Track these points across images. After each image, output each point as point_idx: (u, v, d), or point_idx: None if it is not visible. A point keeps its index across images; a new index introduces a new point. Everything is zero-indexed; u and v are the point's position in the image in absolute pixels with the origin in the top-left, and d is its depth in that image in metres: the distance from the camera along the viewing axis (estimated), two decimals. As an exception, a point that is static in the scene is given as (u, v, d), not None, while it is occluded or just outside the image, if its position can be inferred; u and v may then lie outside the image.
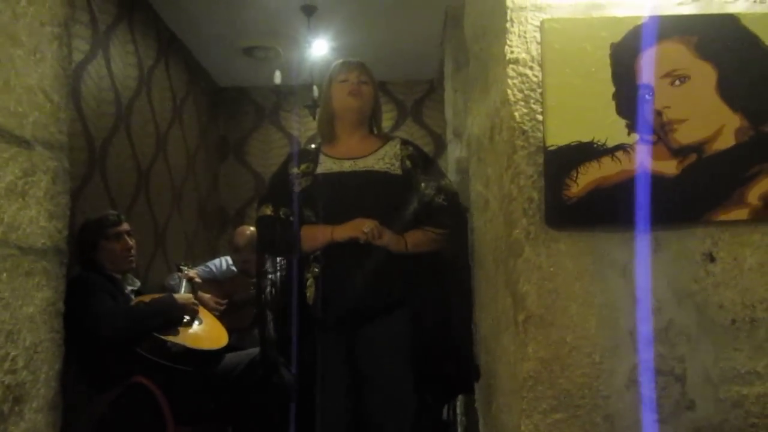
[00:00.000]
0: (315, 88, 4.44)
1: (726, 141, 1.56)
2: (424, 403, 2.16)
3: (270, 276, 2.32)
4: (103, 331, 2.47)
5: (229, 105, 5.80)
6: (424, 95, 5.82)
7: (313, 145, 2.40)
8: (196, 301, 2.89)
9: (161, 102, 4.39)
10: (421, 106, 5.83)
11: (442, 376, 2.18)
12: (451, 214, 2.21)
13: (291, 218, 2.27)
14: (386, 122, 5.69)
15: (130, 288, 2.84)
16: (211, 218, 5.49)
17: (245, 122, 5.85)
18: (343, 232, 2.13)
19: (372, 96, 2.32)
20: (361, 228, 2.10)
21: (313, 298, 2.19)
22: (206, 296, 3.27)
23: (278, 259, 2.32)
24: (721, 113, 1.56)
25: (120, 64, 3.72)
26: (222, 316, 3.24)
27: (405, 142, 2.34)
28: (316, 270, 2.20)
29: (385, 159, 2.24)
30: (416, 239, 2.16)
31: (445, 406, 3.09)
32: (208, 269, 3.98)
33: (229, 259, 4.09)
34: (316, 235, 2.18)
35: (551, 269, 1.58)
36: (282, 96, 5.04)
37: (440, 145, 5.47)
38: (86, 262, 2.78)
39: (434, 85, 5.66)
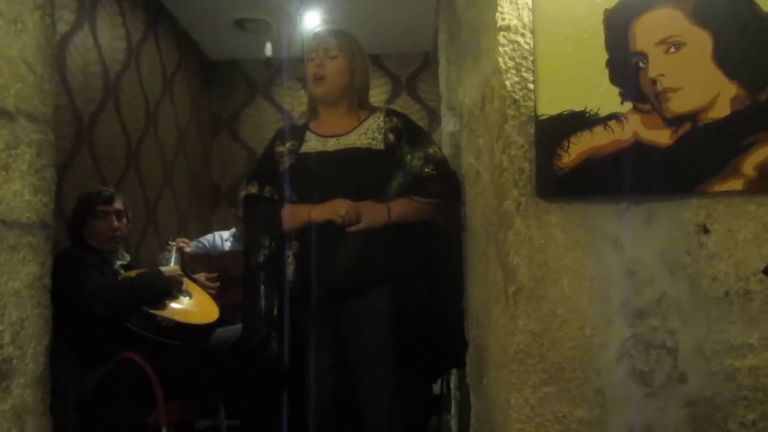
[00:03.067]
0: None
1: (721, 110, 1.52)
2: (412, 377, 2.14)
3: (262, 253, 2.29)
4: (91, 307, 2.46)
5: (221, 79, 5.73)
6: (419, 68, 5.76)
7: (302, 121, 2.36)
8: (181, 273, 2.87)
9: (151, 75, 4.33)
10: (415, 79, 5.77)
11: (429, 351, 2.16)
12: (441, 183, 2.16)
13: (276, 197, 2.25)
14: (380, 96, 5.63)
15: (119, 263, 2.83)
16: (203, 194, 5.46)
17: (237, 96, 5.79)
18: (320, 213, 2.11)
19: (342, 70, 2.21)
20: (336, 211, 2.07)
21: (293, 275, 2.18)
22: (197, 275, 3.25)
23: (269, 237, 2.29)
24: (716, 81, 1.52)
25: (107, 36, 3.65)
26: (216, 292, 3.22)
27: (389, 113, 2.27)
28: (296, 247, 2.18)
29: (368, 134, 2.19)
30: (401, 208, 2.13)
31: (439, 381, 3.10)
32: (200, 245, 3.97)
33: (223, 234, 4.08)
34: (295, 215, 2.16)
35: (542, 241, 1.55)
36: (273, 69, 4.98)
37: (435, 119, 5.42)
38: (76, 236, 2.76)
39: (429, 58, 5.59)
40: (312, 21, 4.59)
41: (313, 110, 2.31)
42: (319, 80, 2.20)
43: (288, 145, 2.25)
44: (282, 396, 2.22)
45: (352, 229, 2.08)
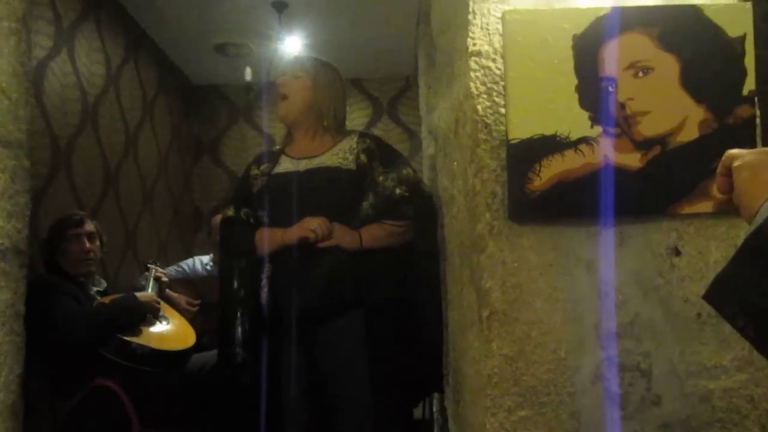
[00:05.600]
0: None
1: (690, 133, 1.54)
2: (388, 401, 2.13)
3: (237, 277, 2.28)
4: (65, 335, 2.43)
5: (202, 103, 5.73)
6: (400, 92, 5.79)
7: (278, 147, 2.37)
8: (158, 299, 2.85)
9: (131, 100, 4.32)
10: (396, 103, 5.80)
11: (408, 375, 2.15)
12: (413, 204, 2.15)
13: (251, 219, 2.27)
14: (361, 119, 5.66)
15: (95, 289, 2.79)
16: (185, 218, 5.42)
17: (219, 120, 5.79)
18: (292, 234, 2.11)
19: (304, 89, 2.25)
20: (307, 226, 2.08)
21: (266, 299, 2.17)
22: (177, 296, 3.22)
23: (244, 261, 2.28)
24: (684, 105, 1.54)
25: (86, 61, 3.65)
26: (194, 317, 3.20)
27: (363, 135, 2.29)
28: (270, 270, 2.18)
29: (339, 154, 2.20)
30: (373, 234, 2.12)
31: (420, 405, 3.07)
32: (180, 269, 3.94)
33: (203, 258, 4.05)
34: (268, 239, 2.17)
35: (515, 264, 1.55)
36: (254, 93, 4.98)
37: (416, 142, 5.44)
38: (50, 263, 2.73)
39: (410, 82, 5.63)
40: (293, 46, 4.61)
41: (288, 135, 2.33)
42: (282, 100, 2.27)
43: (263, 167, 2.28)
44: (259, 421, 2.19)
45: (324, 244, 2.08)
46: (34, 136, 2.15)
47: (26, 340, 1.79)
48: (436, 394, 2.88)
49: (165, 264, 3.77)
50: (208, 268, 3.95)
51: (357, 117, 5.66)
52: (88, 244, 2.75)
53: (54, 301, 2.49)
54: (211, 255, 4.02)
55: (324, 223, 2.08)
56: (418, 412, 3.14)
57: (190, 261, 4.04)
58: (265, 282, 2.18)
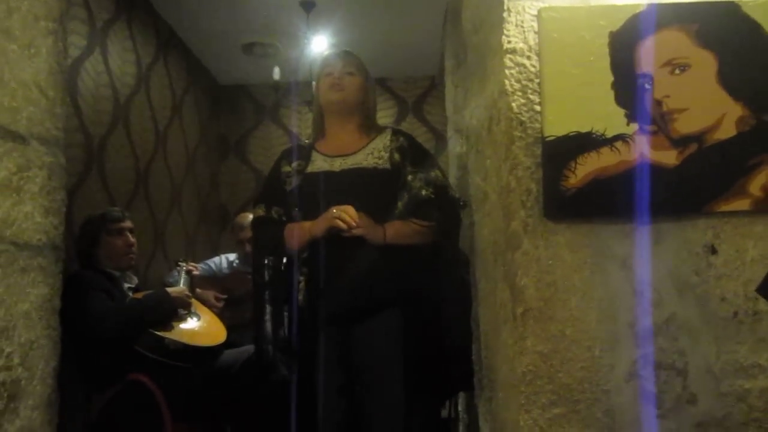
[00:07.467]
0: (314, 84, 4.42)
1: (727, 130, 1.53)
2: (419, 401, 2.13)
3: (266, 274, 2.29)
4: (100, 330, 2.47)
5: (229, 102, 5.79)
6: (425, 91, 5.80)
7: (307, 141, 2.36)
8: (189, 294, 2.88)
9: (160, 99, 4.38)
10: (422, 102, 5.81)
11: (436, 375, 2.15)
12: (439, 207, 2.14)
13: (283, 218, 2.25)
14: (387, 118, 5.66)
15: (127, 285, 2.83)
16: (211, 216, 5.48)
17: (245, 120, 5.83)
18: (320, 225, 2.10)
19: (359, 87, 2.24)
20: (330, 215, 2.06)
21: (304, 299, 2.17)
22: (203, 292, 3.26)
23: (272, 257, 2.28)
24: (722, 102, 1.53)
25: (118, 60, 3.70)
26: (222, 313, 3.23)
27: (396, 132, 2.28)
28: (306, 271, 2.18)
29: (374, 153, 2.19)
30: (397, 230, 2.11)
31: (446, 404, 3.08)
32: (207, 267, 3.98)
33: (229, 256, 4.08)
34: (297, 234, 2.17)
35: (550, 262, 1.55)
36: (281, 93, 5.01)
37: (442, 141, 5.44)
38: (85, 258, 2.78)
39: (435, 82, 5.63)
40: (320, 45, 4.63)
41: (320, 130, 2.32)
42: (338, 88, 2.22)
43: (294, 165, 2.26)
44: (290, 419, 2.20)
45: (352, 233, 2.06)
46: (68, 135, 2.18)
47: (62, 334, 1.82)
48: (461, 393, 2.88)
49: (191, 260, 3.80)
50: (235, 265, 3.98)
51: (383, 117, 5.67)
52: (132, 239, 2.80)
53: (88, 296, 2.52)
54: (237, 253, 4.06)
55: (349, 209, 2.06)
56: (443, 411, 3.15)
57: (216, 259, 4.08)
58: (303, 284, 2.18)
